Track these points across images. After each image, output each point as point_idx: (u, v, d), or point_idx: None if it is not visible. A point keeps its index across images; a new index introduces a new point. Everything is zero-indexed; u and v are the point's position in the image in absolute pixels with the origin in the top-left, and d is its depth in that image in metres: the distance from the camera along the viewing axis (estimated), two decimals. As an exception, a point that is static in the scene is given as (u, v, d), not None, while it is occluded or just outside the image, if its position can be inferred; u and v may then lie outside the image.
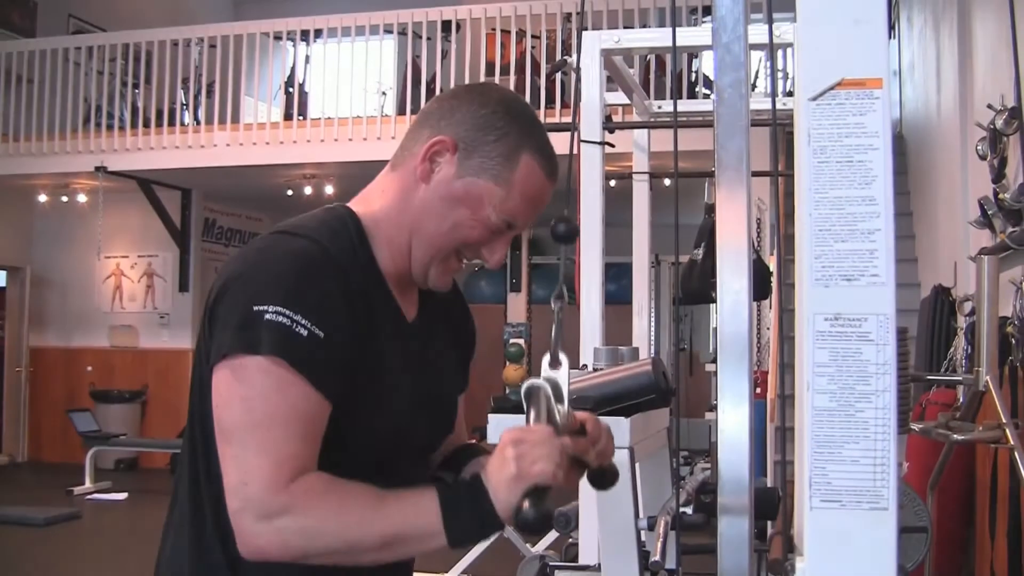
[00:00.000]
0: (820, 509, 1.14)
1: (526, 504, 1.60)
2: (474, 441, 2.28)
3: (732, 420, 1.63)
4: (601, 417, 2.32)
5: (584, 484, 3.23)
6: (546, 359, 1.73)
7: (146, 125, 13.59)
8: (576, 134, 4.35)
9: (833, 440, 1.14)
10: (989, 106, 5.25)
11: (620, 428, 2.52)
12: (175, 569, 1.92)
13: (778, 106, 5.71)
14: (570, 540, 4.45)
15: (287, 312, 1.70)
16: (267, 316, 1.70)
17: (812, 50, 1.17)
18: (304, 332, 1.70)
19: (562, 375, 1.72)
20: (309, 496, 1.67)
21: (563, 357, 1.72)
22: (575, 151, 4.33)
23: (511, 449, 1.64)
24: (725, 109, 1.61)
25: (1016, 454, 3.34)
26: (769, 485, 5.74)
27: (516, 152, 1.88)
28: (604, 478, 1.84)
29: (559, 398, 1.71)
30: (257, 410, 1.70)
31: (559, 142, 4.24)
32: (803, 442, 1.16)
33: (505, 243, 1.95)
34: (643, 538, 2.76)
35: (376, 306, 1.90)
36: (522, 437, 1.65)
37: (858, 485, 1.13)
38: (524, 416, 1.72)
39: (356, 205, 1.98)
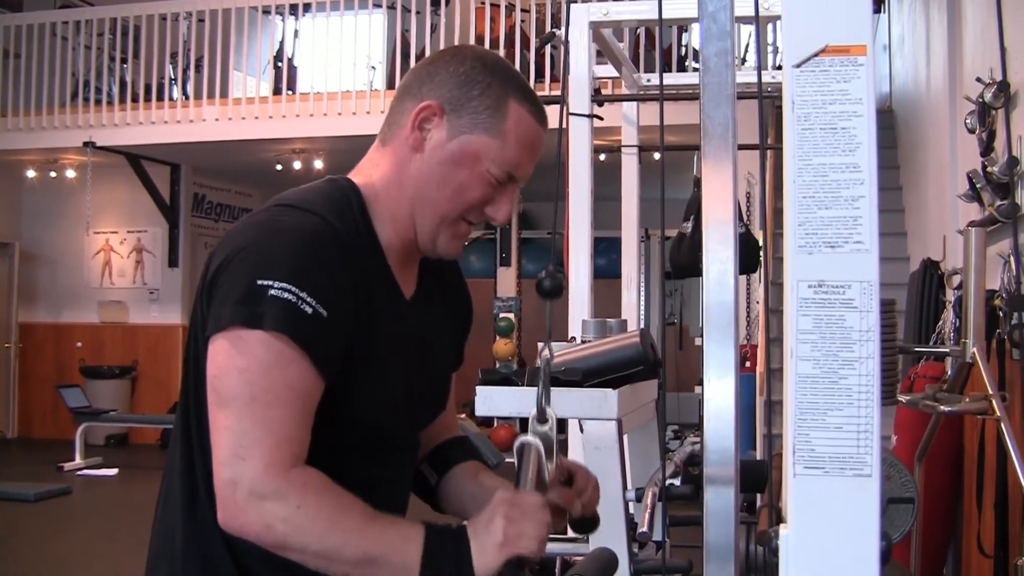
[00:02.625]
0: (803, 476, 1.15)
1: (505, 572, 1.63)
2: (463, 435, 2.28)
3: (718, 390, 1.63)
4: (588, 388, 2.34)
5: (576, 446, 3.25)
6: (533, 413, 1.74)
7: (134, 100, 13.56)
8: (565, 107, 4.35)
9: (816, 407, 1.14)
10: (978, 79, 5.25)
11: (608, 400, 2.53)
12: (168, 536, 1.91)
13: (769, 79, 5.71)
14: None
15: (293, 289, 1.69)
16: (272, 292, 1.68)
17: (797, 17, 1.17)
18: (309, 310, 1.69)
19: (551, 431, 1.74)
20: (305, 489, 1.66)
21: (551, 412, 1.73)
22: (564, 125, 4.33)
23: (501, 517, 1.66)
24: (711, 78, 1.61)
25: (1002, 425, 3.35)
26: (758, 458, 5.76)
27: (503, 101, 1.87)
28: (586, 525, 1.88)
29: (549, 454, 1.73)
30: (257, 384, 1.68)
31: (548, 115, 4.25)
32: (787, 409, 1.17)
33: (509, 197, 1.94)
34: (631, 509, 2.78)
35: (376, 284, 1.89)
36: (515, 503, 1.68)
37: (841, 452, 1.14)
38: (515, 474, 1.74)
39: (355, 177, 1.97)
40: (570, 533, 2.28)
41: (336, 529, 1.67)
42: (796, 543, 1.16)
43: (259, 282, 1.69)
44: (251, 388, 1.68)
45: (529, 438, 1.73)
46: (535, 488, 1.71)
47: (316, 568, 1.71)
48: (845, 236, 1.14)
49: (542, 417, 1.74)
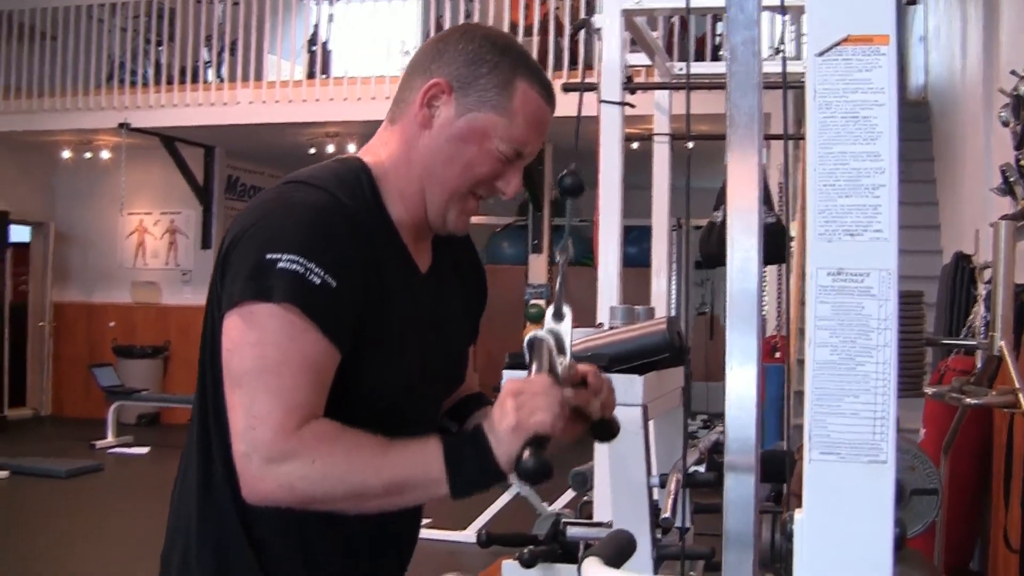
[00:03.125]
0: (819, 461, 1.16)
1: (526, 454, 1.62)
2: (479, 391, 2.29)
3: (740, 378, 1.64)
4: (615, 374, 2.34)
5: (599, 446, 3.25)
6: (550, 311, 1.74)
7: (169, 82, 13.61)
8: (597, 94, 4.35)
9: (833, 393, 1.15)
10: (1013, 72, 5.22)
11: (633, 386, 2.53)
12: (184, 512, 1.94)
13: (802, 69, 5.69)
14: (585, 498, 4.48)
15: (301, 260, 1.70)
16: (280, 264, 1.70)
17: (820, 6, 1.18)
18: (317, 280, 1.71)
19: (565, 328, 1.73)
20: (317, 442, 1.68)
21: (567, 309, 1.73)
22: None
23: (511, 400, 1.66)
24: (737, 67, 1.62)
25: (1029, 419, 3.35)
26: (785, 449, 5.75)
27: (511, 79, 1.89)
28: (606, 430, 1.85)
29: (561, 350, 1.73)
30: (268, 356, 1.70)
31: (585, 103, 4.24)
32: (805, 396, 1.18)
33: (517, 172, 1.96)
34: (655, 495, 2.79)
35: (388, 258, 1.90)
36: (522, 388, 1.67)
37: (857, 438, 1.15)
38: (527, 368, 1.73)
39: (365, 156, 1.99)
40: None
41: (355, 470, 1.69)
42: (811, 527, 1.17)
43: (268, 256, 1.71)
44: (263, 361, 1.70)
45: (540, 333, 1.73)
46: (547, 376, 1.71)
47: (350, 510, 1.74)
48: (864, 224, 1.15)
49: (559, 314, 1.74)
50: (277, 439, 1.67)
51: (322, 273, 1.71)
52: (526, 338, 1.74)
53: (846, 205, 1.15)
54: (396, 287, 1.90)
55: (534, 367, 1.71)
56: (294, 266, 1.70)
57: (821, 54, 1.15)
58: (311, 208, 1.79)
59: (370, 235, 1.86)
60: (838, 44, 1.14)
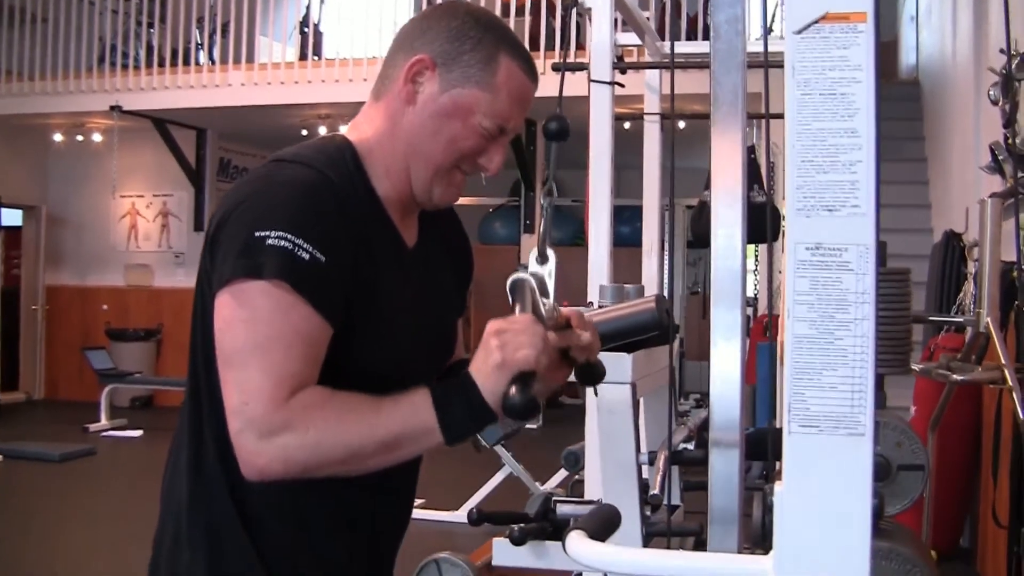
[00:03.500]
0: (798, 434, 1.17)
1: (513, 390, 1.63)
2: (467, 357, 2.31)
3: (724, 354, 1.66)
4: (604, 354, 2.36)
5: (591, 426, 3.27)
6: (533, 253, 1.76)
7: (161, 64, 13.60)
8: (588, 74, 4.36)
9: (812, 367, 1.17)
10: (1001, 51, 5.24)
11: (623, 364, 2.55)
12: (175, 495, 1.95)
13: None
14: (577, 478, 4.51)
15: (289, 236, 1.71)
16: (269, 241, 1.71)
17: (799, -16, 1.19)
18: (306, 256, 1.72)
19: (548, 270, 1.75)
20: (308, 410, 1.68)
21: (551, 253, 1.75)
22: (586, 92, 4.34)
23: (494, 339, 1.68)
24: (721, 45, 1.64)
25: (1015, 395, 3.37)
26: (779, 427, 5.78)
27: (494, 55, 1.90)
28: (591, 373, 1.85)
29: (544, 292, 1.74)
30: (260, 332, 1.71)
31: (571, 82, 4.25)
32: (784, 369, 1.19)
33: (500, 148, 1.97)
34: (645, 473, 2.81)
35: (375, 234, 1.91)
36: (505, 327, 1.69)
37: (836, 411, 1.16)
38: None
39: (350, 134, 2.01)
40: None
41: (349, 432, 1.70)
42: (790, 499, 1.19)
43: (256, 233, 1.72)
44: (254, 337, 1.71)
45: (523, 274, 1.74)
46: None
47: (350, 471, 1.75)
48: (843, 200, 1.16)
49: (543, 257, 1.76)
50: (269, 412, 1.67)
51: (311, 249, 1.72)
52: (509, 280, 1.75)
53: (824, 181, 1.16)
54: (385, 262, 1.91)
55: (517, 308, 1.72)
56: (283, 243, 1.71)
57: (799, 32, 1.16)
58: (298, 185, 1.80)
59: (357, 211, 1.87)
60: (816, 22, 1.15)
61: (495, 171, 2.00)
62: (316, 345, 1.76)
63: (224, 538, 1.89)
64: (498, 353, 1.66)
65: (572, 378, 1.86)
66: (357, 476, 1.76)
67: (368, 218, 1.91)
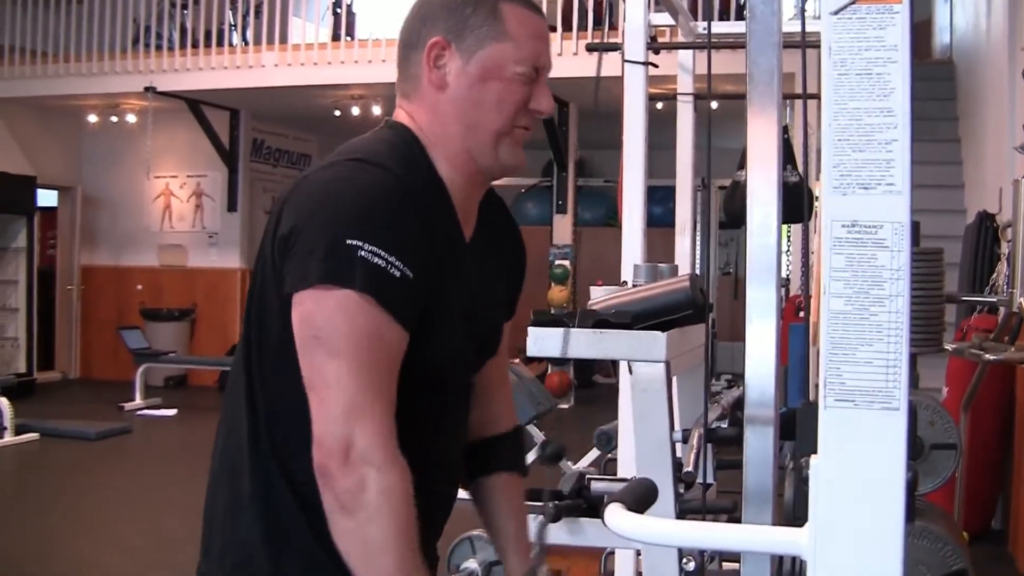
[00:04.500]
0: (834, 408, 1.19)
1: None
2: (510, 431, 2.34)
3: (759, 331, 1.68)
4: (638, 331, 2.38)
5: (624, 405, 3.28)
6: None
7: (195, 46, 13.65)
8: (621, 54, 4.37)
9: (848, 342, 1.19)
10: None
11: (657, 342, 2.57)
12: (231, 458, 1.97)
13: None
14: (609, 456, 4.54)
15: (382, 253, 1.73)
16: (362, 253, 1.72)
17: (835, -34, 1.21)
18: (397, 274, 1.74)
19: None
20: (390, 497, 1.72)
21: None
22: (620, 73, 4.35)
23: None
24: (757, 26, 1.65)
25: (1048, 374, 3.38)
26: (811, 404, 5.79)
27: (495, 8, 1.92)
28: None
29: None
30: (363, 346, 1.73)
31: (609, 64, 4.25)
32: (821, 345, 1.22)
33: (543, 88, 1.98)
34: (678, 452, 2.83)
35: (442, 231, 1.93)
36: None
37: (871, 386, 1.18)
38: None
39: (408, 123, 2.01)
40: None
41: (385, 548, 1.72)
42: (825, 472, 1.21)
43: (348, 242, 1.72)
44: (359, 350, 1.73)
45: None
46: None
47: (353, 565, 1.76)
48: (878, 178, 1.18)
49: None
50: (376, 442, 1.71)
51: (401, 265, 1.74)
52: None
53: (860, 159, 1.18)
54: (448, 257, 1.93)
55: None
56: (376, 259, 1.72)
57: (836, 12, 1.18)
58: (384, 194, 1.80)
59: (432, 212, 1.89)
60: (853, 3, 1.17)
61: (550, 109, 2.01)
62: (399, 362, 1.80)
63: (278, 507, 1.92)
64: None
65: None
66: (406, 444, 1.78)
67: (438, 215, 1.93)
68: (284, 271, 1.80)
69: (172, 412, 13.09)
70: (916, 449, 2.89)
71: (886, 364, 1.18)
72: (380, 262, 1.73)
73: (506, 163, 1.99)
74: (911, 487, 1.16)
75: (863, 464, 1.19)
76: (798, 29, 1.73)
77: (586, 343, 2.29)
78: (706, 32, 5.47)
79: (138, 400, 13.29)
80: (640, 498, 1.63)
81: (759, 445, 1.70)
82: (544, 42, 1.98)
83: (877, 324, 1.18)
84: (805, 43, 1.58)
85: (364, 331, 1.73)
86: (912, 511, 2.95)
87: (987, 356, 3.59)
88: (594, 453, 7.98)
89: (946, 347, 3.34)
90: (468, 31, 1.92)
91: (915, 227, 3.31)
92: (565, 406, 12.74)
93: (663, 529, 1.41)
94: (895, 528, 1.19)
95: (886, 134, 1.18)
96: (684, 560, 2.64)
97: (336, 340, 1.74)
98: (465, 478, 2.25)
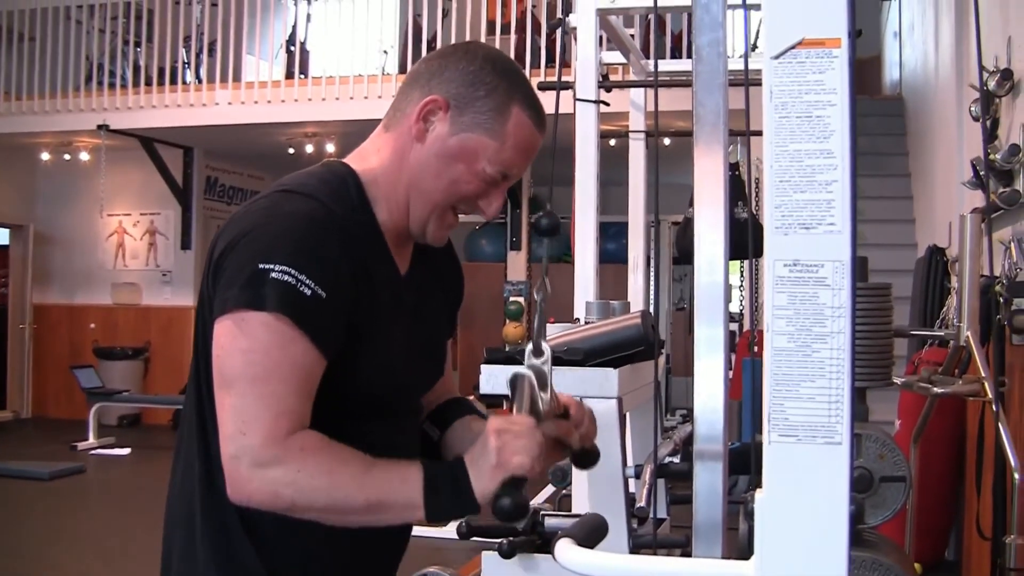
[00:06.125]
0: (778, 443, 1.22)
1: (503, 494, 1.69)
2: (459, 396, 2.35)
3: (708, 368, 1.70)
4: (590, 368, 2.40)
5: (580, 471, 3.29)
6: (529, 348, 1.80)
7: (148, 83, 13.62)
8: (573, 92, 4.41)
9: (791, 378, 1.21)
10: (982, 68, 5.30)
11: (608, 379, 2.60)
12: (186, 500, 1.98)
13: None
14: (564, 492, 4.55)
15: (292, 272, 1.75)
16: (273, 274, 1.75)
17: (776, 10, 1.24)
18: (308, 292, 1.76)
19: (546, 363, 1.80)
20: (304, 453, 1.74)
21: (546, 346, 1.79)
22: (572, 110, 4.38)
23: (494, 439, 1.73)
24: (703, 67, 1.68)
25: (993, 407, 3.42)
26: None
27: (507, 105, 1.94)
28: (587, 458, 1.91)
29: (543, 386, 1.79)
30: (258, 363, 1.76)
31: (562, 100, 4.29)
32: (764, 381, 1.24)
33: (500, 194, 2.02)
34: (632, 487, 2.85)
35: (373, 262, 1.95)
36: (506, 427, 1.74)
37: (813, 421, 1.21)
38: (510, 404, 1.80)
39: (353, 162, 2.03)
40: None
41: (337, 484, 1.75)
42: (770, 506, 1.23)
43: (260, 266, 1.76)
44: (252, 368, 1.76)
45: (521, 369, 1.79)
46: (528, 415, 1.77)
47: (328, 522, 1.80)
48: (819, 218, 1.21)
49: (538, 350, 1.80)
50: (266, 444, 1.73)
51: (313, 285, 1.77)
52: (508, 375, 1.80)
53: (801, 200, 1.21)
54: (381, 290, 1.95)
55: (516, 405, 1.77)
56: (286, 277, 1.75)
57: (777, 57, 1.21)
58: (302, 218, 1.84)
59: (357, 240, 1.91)
60: (793, 47, 1.20)
61: (492, 216, 2.05)
62: (311, 379, 1.81)
63: (234, 548, 1.93)
64: (495, 455, 1.72)
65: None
66: None
67: (368, 248, 1.95)
68: (214, 300, 1.84)
69: (126, 451, 12.98)
70: (865, 482, 2.92)
71: (828, 400, 1.21)
72: (290, 279, 1.76)
73: (428, 238, 2.04)
74: (855, 520, 1.19)
75: (807, 497, 1.21)
76: (745, 68, 1.76)
77: (539, 380, 2.30)
78: (657, 71, 5.53)
79: (91, 439, 13.17)
80: (590, 533, 1.65)
81: (708, 479, 1.72)
82: (528, 157, 2.01)
83: (819, 360, 1.21)
84: (748, 81, 1.62)
85: (262, 348, 1.76)
86: (859, 541, 2.98)
87: (935, 389, 3.63)
88: (550, 489, 7.98)
89: (895, 380, 3.38)
90: (470, 109, 1.95)
91: (863, 262, 3.35)
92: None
93: (611, 563, 1.43)
94: (839, 559, 1.21)
95: (827, 175, 1.21)
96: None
97: (232, 363, 1.78)
98: (432, 452, 2.23)
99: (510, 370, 2.32)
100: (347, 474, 1.76)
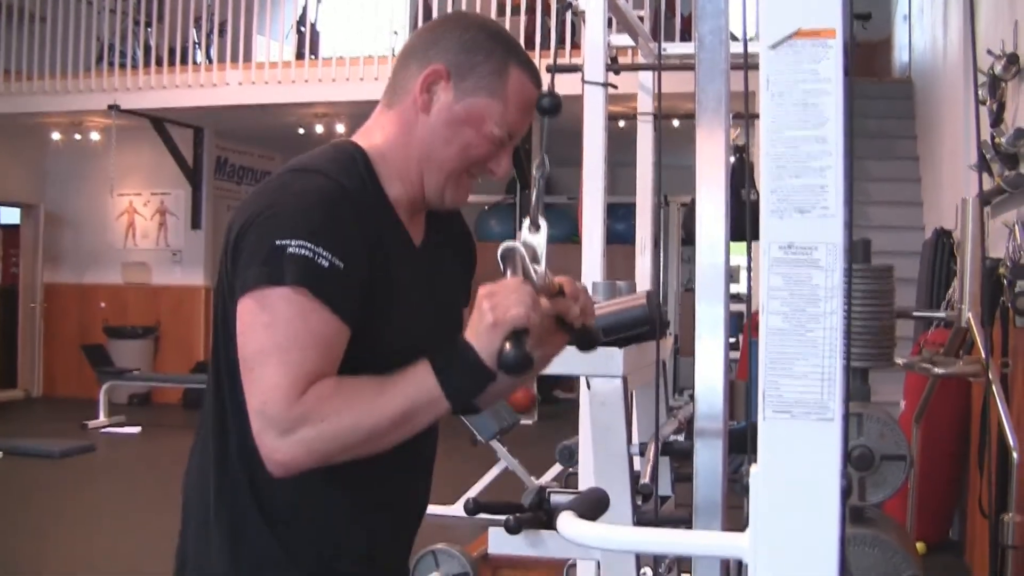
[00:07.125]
0: (772, 419, 1.26)
1: (507, 347, 1.71)
2: None
3: (708, 348, 1.75)
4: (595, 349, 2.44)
5: (585, 419, 3.34)
6: (526, 223, 1.84)
7: (158, 64, 13.64)
8: (581, 75, 4.44)
9: (785, 356, 1.26)
10: (989, 52, 5.33)
11: (614, 358, 2.64)
12: (201, 485, 2.03)
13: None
14: (571, 471, 4.61)
15: (309, 245, 1.79)
16: (290, 249, 1.78)
17: (773, 1, 1.28)
18: (325, 263, 1.79)
19: (540, 239, 1.82)
20: (321, 400, 1.76)
21: (543, 221, 1.82)
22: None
23: (486, 302, 1.75)
24: (705, 54, 1.72)
25: (993, 388, 3.46)
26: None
27: (505, 66, 1.99)
28: (588, 338, 1.91)
29: (536, 260, 1.81)
30: (280, 335, 1.78)
31: (567, 83, 4.32)
32: (760, 359, 1.29)
33: (507, 154, 2.06)
34: (636, 465, 2.89)
35: (387, 235, 1.99)
36: (495, 289, 1.76)
37: (807, 398, 1.25)
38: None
39: (360, 140, 2.07)
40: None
41: (361, 415, 1.77)
42: (764, 481, 1.27)
43: (277, 242, 1.79)
44: (274, 339, 1.78)
45: (514, 243, 1.80)
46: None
47: (372, 451, 1.81)
48: (813, 202, 1.25)
49: (535, 225, 1.83)
50: (286, 409, 1.75)
51: (330, 256, 1.80)
52: (500, 248, 1.81)
53: (796, 185, 1.25)
54: (397, 261, 1.99)
55: (508, 273, 1.79)
56: (303, 251, 1.78)
57: (774, 47, 1.25)
58: (315, 194, 1.87)
59: (370, 215, 1.95)
60: (789, 37, 1.24)
61: (503, 175, 2.10)
62: (334, 347, 1.84)
63: (247, 528, 1.97)
64: (490, 314, 1.73)
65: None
66: (370, 462, 1.84)
67: (380, 221, 1.98)
68: (233, 281, 1.88)
69: (136, 430, 13.05)
70: (866, 460, 2.96)
71: (821, 377, 1.25)
72: (307, 253, 1.79)
73: (448, 202, 2.08)
74: (846, 494, 1.23)
75: (800, 471, 1.26)
76: (747, 53, 1.80)
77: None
78: (665, 53, 5.56)
79: (102, 418, 13.24)
80: (591, 506, 1.70)
81: (708, 457, 1.76)
82: (529, 115, 2.05)
83: (813, 340, 1.25)
84: (748, 65, 1.66)
85: (282, 321, 1.79)
86: (860, 519, 3.02)
87: (936, 370, 3.67)
88: (557, 468, 8.04)
89: (897, 361, 3.41)
90: (471, 75, 1.99)
91: (865, 245, 3.39)
92: (529, 422, 12.79)
93: (612, 535, 1.47)
94: (831, 532, 1.26)
95: (821, 161, 1.25)
96: (642, 571, 2.70)
97: (254, 339, 1.81)
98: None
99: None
100: (366, 401, 1.78)
